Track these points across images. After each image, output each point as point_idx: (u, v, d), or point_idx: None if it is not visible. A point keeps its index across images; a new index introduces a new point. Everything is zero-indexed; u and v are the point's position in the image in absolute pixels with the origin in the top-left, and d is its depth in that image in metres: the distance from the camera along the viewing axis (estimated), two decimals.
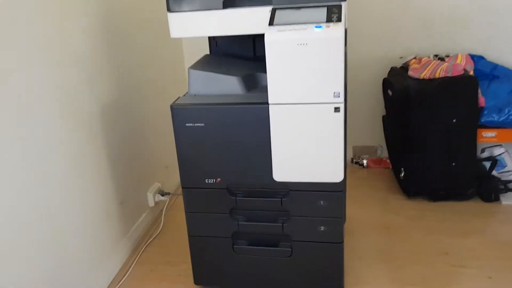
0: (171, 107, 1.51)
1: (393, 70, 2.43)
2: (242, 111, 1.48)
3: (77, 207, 1.67)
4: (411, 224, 2.15)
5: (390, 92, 2.34)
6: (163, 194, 2.29)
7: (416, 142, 2.22)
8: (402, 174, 2.34)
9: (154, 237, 2.15)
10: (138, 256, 2.02)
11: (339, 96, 1.39)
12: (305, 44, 1.34)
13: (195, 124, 1.51)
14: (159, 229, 2.20)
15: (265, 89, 1.44)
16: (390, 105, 2.42)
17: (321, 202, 1.55)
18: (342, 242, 1.60)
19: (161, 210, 2.34)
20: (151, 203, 2.23)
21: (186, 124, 1.52)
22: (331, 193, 1.53)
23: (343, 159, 1.48)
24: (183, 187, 1.62)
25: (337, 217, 1.57)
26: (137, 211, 2.14)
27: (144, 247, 2.08)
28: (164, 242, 2.12)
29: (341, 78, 1.38)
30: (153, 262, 1.98)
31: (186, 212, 1.66)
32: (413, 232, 2.09)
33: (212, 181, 1.59)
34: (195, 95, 1.59)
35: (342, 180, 1.51)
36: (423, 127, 2.18)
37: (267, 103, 1.43)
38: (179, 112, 1.51)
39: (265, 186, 1.57)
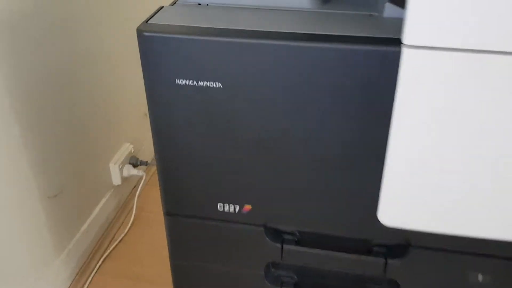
0: (139, 33, 0.59)
1: None
2: (323, 58, 0.56)
3: None
4: None
5: None
6: (136, 164, 1.38)
7: None
8: None
9: (119, 241, 1.28)
10: (90, 280, 1.16)
11: None
12: None
13: (199, 83, 0.60)
14: (128, 226, 1.33)
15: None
16: None
17: (480, 276, 0.69)
18: None
19: (134, 188, 1.44)
20: (116, 180, 1.33)
21: (177, 81, 0.60)
22: (508, 262, 0.67)
23: None
24: (166, 215, 0.74)
25: None
26: (91, 198, 1.25)
27: (100, 263, 1.21)
28: (135, 250, 1.25)
29: None
30: None
31: (172, 262, 0.79)
32: None
33: (232, 210, 0.70)
34: (199, 4, 0.66)
35: None
36: None
37: (399, 42, 0.51)
38: (156, 51, 0.59)
39: (353, 231, 0.69)
